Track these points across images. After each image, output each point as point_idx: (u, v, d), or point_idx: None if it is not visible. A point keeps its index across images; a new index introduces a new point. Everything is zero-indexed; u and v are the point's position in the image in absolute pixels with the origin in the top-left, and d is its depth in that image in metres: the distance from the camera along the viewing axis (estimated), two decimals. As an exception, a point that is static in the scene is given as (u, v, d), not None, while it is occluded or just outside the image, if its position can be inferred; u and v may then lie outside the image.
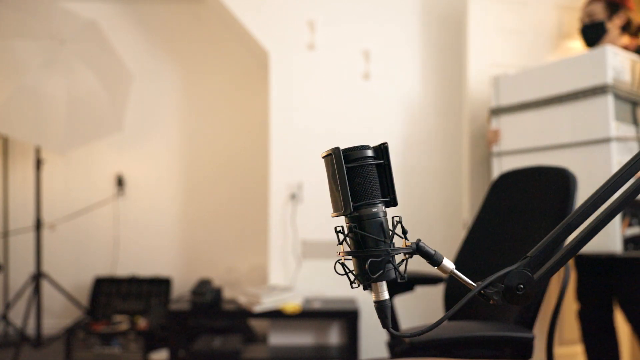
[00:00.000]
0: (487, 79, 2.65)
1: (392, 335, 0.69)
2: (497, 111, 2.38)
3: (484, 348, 1.24)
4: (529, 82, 2.28)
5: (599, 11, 2.30)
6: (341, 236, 0.69)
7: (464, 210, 2.76)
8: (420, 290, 2.90)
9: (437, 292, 2.79)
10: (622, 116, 2.07)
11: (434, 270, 0.90)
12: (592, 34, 2.32)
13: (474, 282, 0.70)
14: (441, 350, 1.18)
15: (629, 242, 1.97)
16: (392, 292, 1.69)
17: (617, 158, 2.01)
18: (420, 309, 2.89)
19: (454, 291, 1.64)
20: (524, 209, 1.49)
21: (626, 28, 2.29)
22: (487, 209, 1.63)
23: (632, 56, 2.12)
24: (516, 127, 2.31)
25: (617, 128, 2.03)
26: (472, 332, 1.23)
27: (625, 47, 2.24)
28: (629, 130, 2.06)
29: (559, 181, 1.35)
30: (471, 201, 2.66)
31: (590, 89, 2.05)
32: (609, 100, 2.01)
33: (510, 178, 1.61)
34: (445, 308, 1.67)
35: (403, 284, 1.71)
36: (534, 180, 1.50)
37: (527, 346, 1.21)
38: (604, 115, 2.01)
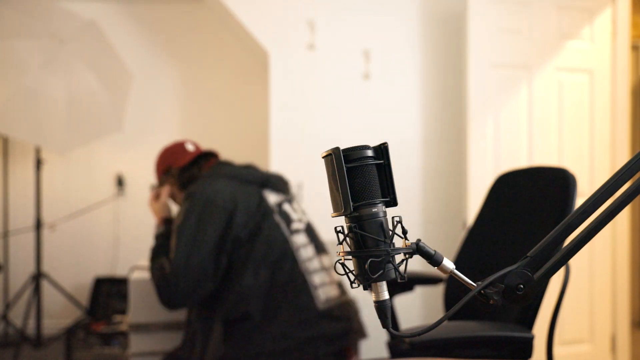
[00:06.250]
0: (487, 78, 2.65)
1: (392, 335, 0.69)
2: None
3: (483, 348, 1.24)
4: None
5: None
6: (341, 236, 0.69)
7: (464, 210, 2.76)
8: (420, 291, 2.90)
9: (437, 293, 2.78)
10: None
11: (434, 270, 0.90)
12: None
13: (474, 283, 0.70)
14: (441, 350, 1.18)
15: None
16: (392, 292, 1.69)
17: None
18: (420, 309, 2.89)
19: (454, 291, 1.63)
20: (523, 209, 1.49)
21: (187, 182, 1.96)
22: (487, 209, 1.63)
23: None
24: None
25: None
26: (472, 332, 1.23)
27: None
28: None
29: (558, 181, 1.35)
30: (472, 201, 2.66)
31: None
32: None
33: (510, 178, 1.61)
34: (445, 308, 1.67)
35: (403, 284, 1.71)
36: (533, 180, 1.50)
37: (526, 346, 1.21)
38: None
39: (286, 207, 1.87)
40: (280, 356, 1.69)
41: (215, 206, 1.72)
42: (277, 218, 1.80)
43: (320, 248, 1.90)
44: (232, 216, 1.72)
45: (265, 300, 1.73)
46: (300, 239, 1.83)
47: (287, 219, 1.83)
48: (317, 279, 1.81)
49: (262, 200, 1.80)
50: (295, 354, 1.70)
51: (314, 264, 1.83)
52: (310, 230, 1.92)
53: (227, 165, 1.92)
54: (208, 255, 1.69)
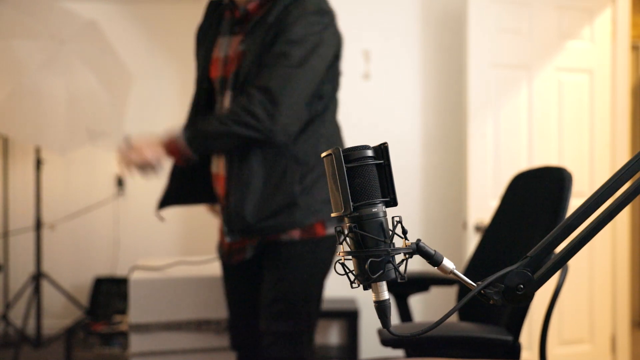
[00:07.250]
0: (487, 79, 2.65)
1: (391, 335, 0.69)
2: None
3: (466, 349, 1.25)
4: None
5: None
6: (341, 236, 0.69)
7: (464, 210, 2.76)
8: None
9: (439, 292, 2.78)
10: None
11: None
12: None
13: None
14: (418, 350, 1.19)
15: None
16: (408, 291, 1.70)
17: None
18: (424, 308, 2.89)
19: (466, 292, 1.64)
20: (528, 209, 1.50)
21: None
22: (501, 209, 1.64)
23: None
24: None
25: None
26: (446, 331, 1.23)
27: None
28: None
29: (555, 180, 1.35)
30: (472, 201, 2.66)
31: None
32: None
33: (522, 178, 1.62)
34: (458, 309, 1.68)
35: (418, 285, 1.70)
36: (538, 180, 1.51)
37: (512, 350, 1.21)
38: None
39: None
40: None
41: (336, 29, 1.60)
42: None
43: None
44: (339, 47, 1.61)
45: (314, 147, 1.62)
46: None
47: None
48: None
49: None
50: None
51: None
52: None
53: None
54: (316, 82, 1.53)
